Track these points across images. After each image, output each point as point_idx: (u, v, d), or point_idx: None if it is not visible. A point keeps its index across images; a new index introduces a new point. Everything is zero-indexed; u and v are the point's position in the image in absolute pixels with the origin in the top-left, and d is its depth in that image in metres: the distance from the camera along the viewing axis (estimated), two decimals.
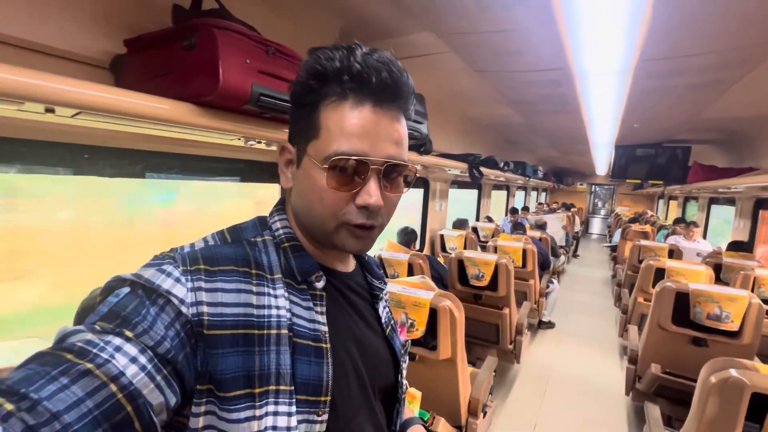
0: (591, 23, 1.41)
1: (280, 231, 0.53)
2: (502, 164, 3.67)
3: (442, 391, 1.53)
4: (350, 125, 0.46)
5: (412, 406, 1.37)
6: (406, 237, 2.81)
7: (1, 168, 1.00)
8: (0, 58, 0.66)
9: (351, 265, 0.61)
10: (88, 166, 1.19)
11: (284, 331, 0.46)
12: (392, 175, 0.49)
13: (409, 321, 1.50)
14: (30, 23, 0.88)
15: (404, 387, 0.64)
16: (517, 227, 4.18)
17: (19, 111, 0.70)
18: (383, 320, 0.62)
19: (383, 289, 0.63)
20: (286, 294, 0.48)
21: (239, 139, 1.13)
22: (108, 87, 0.73)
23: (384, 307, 0.64)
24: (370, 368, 0.55)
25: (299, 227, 0.54)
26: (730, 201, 4.39)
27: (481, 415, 1.67)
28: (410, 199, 3.66)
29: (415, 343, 1.52)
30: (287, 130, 0.55)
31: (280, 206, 0.56)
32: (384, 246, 2.64)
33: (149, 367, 0.37)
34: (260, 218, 0.55)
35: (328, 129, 0.46)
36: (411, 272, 2.44)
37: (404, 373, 0.64)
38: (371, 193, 0.47)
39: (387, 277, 2.52)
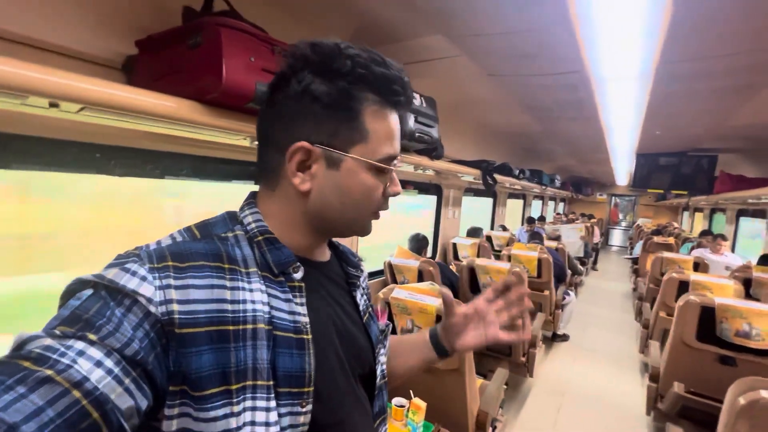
0: (608, 23, 1.36)
1: (253, 225, 0.51)
2: (517, 171, 3.60)
3: (448, 403, 1.48)
4: (392, 131, 0.53)
5: (416, 417, 1.32)
6: (418, 244, 2.77)
7: (16, 165, 1.03)
8: (15, 57, 0.67)
9: (327, 254, 0.60)
10: (100, 165, 1.21)
11: (261, 326, 0.45)
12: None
13: (416, 328, 1.46)
14: (44, 24, 0.90)
15: (384, 373, 0.65)
16: (535, 237, 4.07)
17: (23, 105, 0.71)
18: (361, 308, 0.62)
19: (360, 277, 0.64)
20: (264, 287, 0.47)
21: (245, 139, 1.13)
22: (110, 82, 0.74)
23: (362, 295, 0.64)
24: (351, 356, 0.56)
25: (292, 222, 0.53)
26: (761, 213, 4.18)
27: (490, 429, 1.60)
28: (421, 204, 3.63)
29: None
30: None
31: (251, 200, 0.55)
32: (394, 252, 2.60)
33: (116, 370, 0.36)
34: (230, 213, 0.54)
35: (377, 133, 0.51)
36: (421, 279, 2.40)
37: (383, 359, 0.64)
38: (397, 183, 0.55)
39: (397, 283, 2.49)
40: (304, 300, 0.50)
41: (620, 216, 12.21)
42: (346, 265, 0.63)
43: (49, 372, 0.32)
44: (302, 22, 1.47)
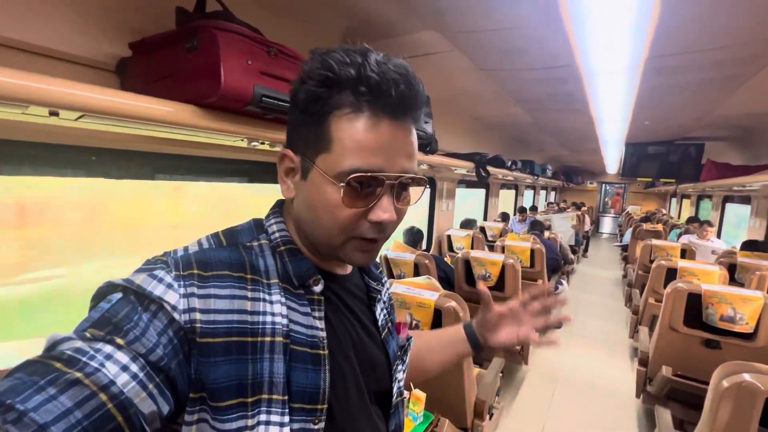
0: (597, 19, 1.38)
1: (277, 235, 0.51)
2: (509, 163, 3.63)
3: (447, 393, 1.52)
4: (367, 140, 0.44)
5: (416, 407, 1.36)
6: (413, 237, 2.80)
7: (9, 170, 1.02)
8: (6, 62, 0.67)
9: (349, 267, 0.59)
10: (96, 168, 1.21)
11: (279, 339, 0.45)
12: (405, 188, 0.49)
13: (414, 322, 1.50)
14: (35, 27, 0.89)
15: (401, 390, 0.63)
16: (535, 226, 4.11)
17: (23, 114, 0.71)
18: (379, 322, 0.61)
19: (380, 291, 0.62)
20: (283, 299, 0.47)
21: (242, 141, 1.13)
22: (110, 90, 0.74)
23: (381, 309, 0.63)
24: (367, 372, 0.55)
25: (299, 233, 0.52)
26: (745, 199, 4.28)
27: (488, 417, 1.65)
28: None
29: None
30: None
31: (277, 209, 0.55)
32: (390, 246, 2.63)
33: (141, 375, 0.36)
34: (256, 221, 0.54)
35: (342, 143, 0.44)
36: (417, 272, 2.43)
37: (401, 375, 0.63)
38: (386, 209, 0.46)
39: (393, 277, 2.52)
40: (322, 314, 0.49)
41: (609, 203, 12.36)
42: (367, 278, 0.62)
43: (78, 374, 0.33)
44: (294, 20, 1.47)
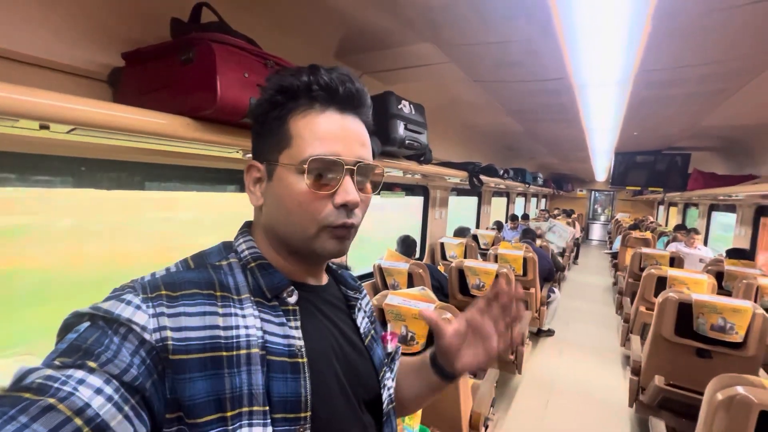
0: (590, 34, 1.41)
1: (246, 252, 0.52)
2: (501, 172, 3.66)
3: (442, 405, 1.51)
4: (322, 130, 0.49)
5: (412, 421, 1.34)
6: (407, 247, 2.80)
7: None
8: None
9: (324, 278, 0.60)
10: (86, 178, 1.18)
11: (255, 350, 0.45)
12: (363, 175, 0.52)
13: (410, 334, 1.48)
14: (27, 37, 0.87)
15: (392, 397, 0.63)
16: (527, 234, 4.12)
17: (13, 128, 0.69)
18: (362, 330, 0.61)
19: (358, 299, 0.63)
20: (256, 312, 0.47)
21: (237, 152, 1.12)
22: (103, 102, 0.72)
23: (363, 318, 0.63)
24: (353, 380, 0.55)
25: (271, 245, 0.54)
26: (731, 208, 4.38)
27: (483, 428, 1.64)
28: (409, 206, 3.66)
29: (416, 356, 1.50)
30: None
31: (245, 229, 0.56)
32: (384, 255, 2.62)
33: (116, 397, 0.36)
34: (225, 243, 0.55)
35: (301, 136, 0.49)
36: (411, 281, 2.42)
37: (389, 383, 0.63)
38: (349, 191, 0.49)
39: (387, 287, 2.51)
40: (298, 323, 0.50)
41: (599, 210, 12.54)
42: (345, 288, 0.62)
43: (51, 400, 0.32)
44: (288, 31, 1.46)
